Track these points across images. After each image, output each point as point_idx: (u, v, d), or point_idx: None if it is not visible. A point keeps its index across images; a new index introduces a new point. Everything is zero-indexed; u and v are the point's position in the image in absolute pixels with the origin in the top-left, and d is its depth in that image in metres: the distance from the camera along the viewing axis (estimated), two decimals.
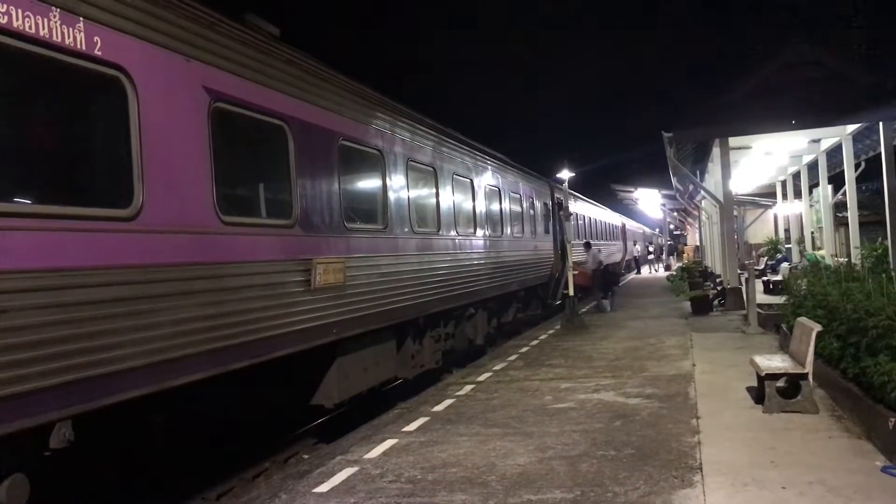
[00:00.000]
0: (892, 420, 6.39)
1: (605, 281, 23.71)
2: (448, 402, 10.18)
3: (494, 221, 16.32)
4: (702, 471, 6.38)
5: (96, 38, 5.37)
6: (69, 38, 5.14)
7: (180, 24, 6.34)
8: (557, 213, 23.13)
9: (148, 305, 5.69)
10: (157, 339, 5.74)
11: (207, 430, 8.13)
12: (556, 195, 23.33)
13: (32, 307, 4.72)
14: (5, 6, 4.66)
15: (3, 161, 4.91)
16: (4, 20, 4.65)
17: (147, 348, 5.64)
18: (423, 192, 12.24)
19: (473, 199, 14.73)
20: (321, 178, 8.56)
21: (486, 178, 15.85)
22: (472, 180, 14.68)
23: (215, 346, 6.44)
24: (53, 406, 4.86)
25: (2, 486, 4.81)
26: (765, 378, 8.32)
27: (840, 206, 23.90)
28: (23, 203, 5.01)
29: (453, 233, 13.23)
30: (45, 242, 4.85)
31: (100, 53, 5.41)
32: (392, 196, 10.58)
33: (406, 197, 11.10)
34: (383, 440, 8.26)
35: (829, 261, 19.49)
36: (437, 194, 12.61)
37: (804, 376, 8.15)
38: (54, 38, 5.01)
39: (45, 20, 4.95)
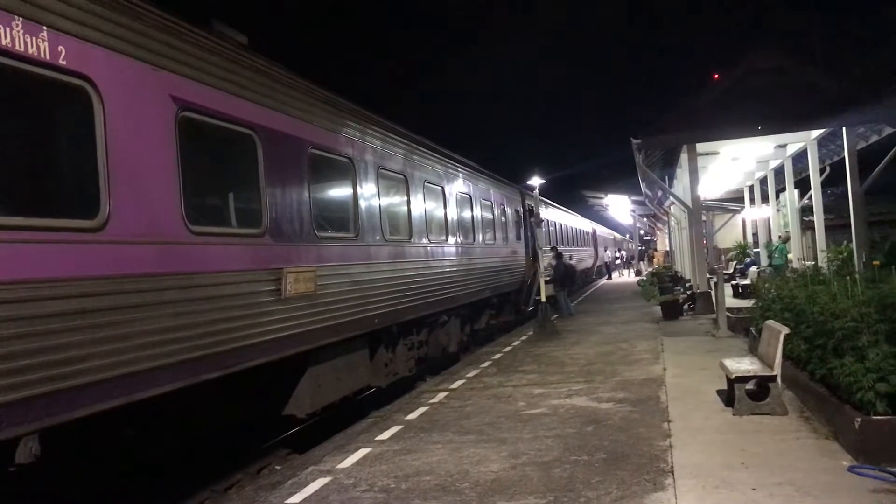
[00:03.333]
0: (859, 420, 6.48)
1: (565, 278, 24.09)
2: (422, 409, 10.16)
3: (466, 228, 16.35)
4: (673, 474, 6.43)
5: (61, 48, 5.31)
6: (32, 47, 5.07)
7: (147, 33, 6.29)
8: (529, 220, 23.23)
9: (116, 317, 5.62)
10: (125, 350, 5.67)
11: (178, 441, 8.04)
12: (528, 202, 23.44)
13: None
14: None
15: None
16: None
17: (115, 360, 5.57)
18: (395, 200, 12.23)
19: (445, 207, 14.75)
20: (291, 187, 8.52)
21: (458, 186, 15.88)
22: (443, 188, 14.70)
23: (185, 358, 6.38)
24: (17, 421, 4.77)
25: None
26: (734, 381, 8.40)
27: (806, 211, 24.24)
28: None
29: (425, 240, 13.22)
30: (8, 254, 4.78)
31: (64, 63, 5.35)
32: (363, 204, 10.56)
33: (377, 205, 11.08)
34: (357, 449, 8.23)
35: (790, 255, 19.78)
36: (409, 202, 12.60)
37: (773, 378, 8.25)
38: (17, 47, 4.95)
39: (8, 29, 4.88)
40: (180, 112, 6.65)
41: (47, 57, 5.20)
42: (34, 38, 5.10)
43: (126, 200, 5.85)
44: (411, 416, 9.76)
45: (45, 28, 5.19)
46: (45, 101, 5.49)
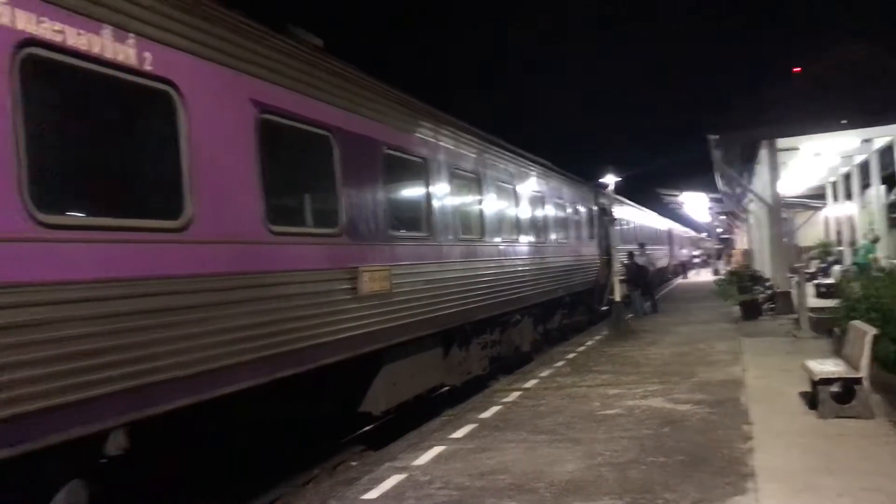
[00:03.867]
0: None
1: (637, 277, 23.67)
2: (495, 408, 10.16)
3: (538, 227, 16.26)
4: (755, 477, 6.27)
5: (146, 54, 5.49)
6: (120, 54, 5.26)
7: (228, 38, 6.45)
8: (602, 219, 22.97)
9: (199, 315, 5.78)
10: (208, 347, 5.83)
11: (257, 438, 8.23)
12: (601, 200, 23.16)
13: (89, 317, 4.83)
14: (59, 24, 4.79)
15: (59, 174, 5.06)
16: (59, 38, 4.79)
17: (199, 356, 5.73)
18: (467, 200, 12.25)
19: (517, 206, 14.71)
20: (366, 187, 8.63)
21: (530, 185, 15.81)
22: (515, 187, 14.66)
23: (265, 354, 6.52)
24: (109, 414, 4.96)
25: (60, 493, 4.94)
26: (818, 383, 8.15)
27: (893, 207, 23.29)
28: (79, 216, 5.16)
29: (497, 239, 13.22)
30: (100, 254, 4.97)
31: (150, 69, 5.53)
32: (436, 204, 10.62)
33: (450, 204, 11.13)
34: (431, 447, 8.28)
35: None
36: (481, 201, 12.62)
37: (859, 381, 7.97)
38: (106, 54, 5.14)
39: (97, 37, 5.08)
40: (260, 115, 6.80)
41: (134, 63, 5.39)
42: (122, 46, 5.28)
43: (209, 201, 6.02)
44: (485, 415, 9.77)
45: (131, 35, 5.37)
46: (132, 106, 5.70)
